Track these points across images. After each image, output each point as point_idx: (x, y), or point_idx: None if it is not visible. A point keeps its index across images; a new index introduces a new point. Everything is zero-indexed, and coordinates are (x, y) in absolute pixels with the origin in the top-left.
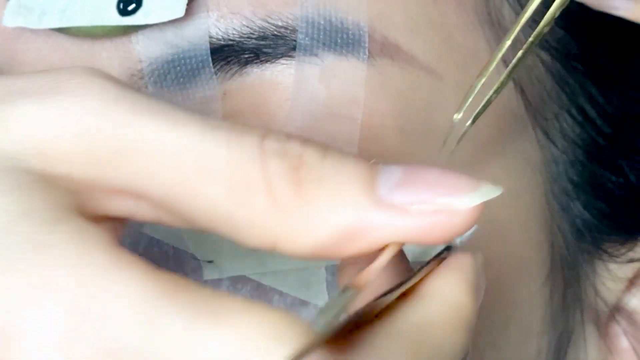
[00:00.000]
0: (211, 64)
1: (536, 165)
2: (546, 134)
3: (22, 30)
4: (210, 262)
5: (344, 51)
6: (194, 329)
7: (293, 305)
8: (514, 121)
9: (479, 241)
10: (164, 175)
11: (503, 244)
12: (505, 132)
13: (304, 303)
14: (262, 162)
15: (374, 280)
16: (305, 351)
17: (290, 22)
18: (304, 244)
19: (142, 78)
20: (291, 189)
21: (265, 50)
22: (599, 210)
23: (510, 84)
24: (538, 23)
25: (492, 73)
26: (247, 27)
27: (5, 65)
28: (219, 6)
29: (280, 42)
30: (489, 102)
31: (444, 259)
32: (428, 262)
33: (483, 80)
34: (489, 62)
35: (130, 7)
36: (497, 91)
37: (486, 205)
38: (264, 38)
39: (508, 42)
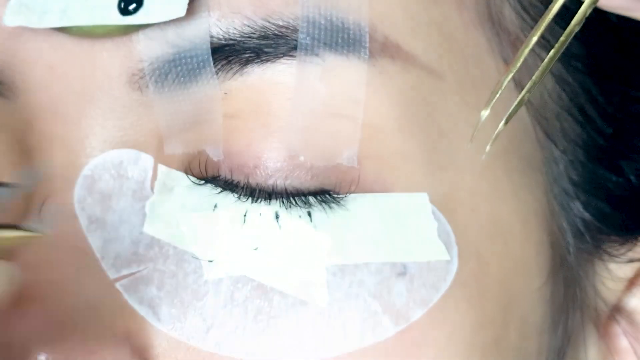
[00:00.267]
0: (212, 64)
1: (536, 165)
2: (547, 133)
3: (23, 29)
4: (211, 261)
5: (344, 51)
6: None
7: (294, 305)
8: (514, 121)
9: (480, 241)
10: None
11: (503, 243)
12: (505, 131)
13: (304, 303)
14: None
15: None
16: None
17: (291, 21)
18: None
19: (143, 77)
20: None
21: (266, 49)
22: (599, 210)
23: (511, 84)
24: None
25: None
26: (248, 26)
27: (6, 64)
28: (220, 5)
29: (281, 41)
30: (522, 102)
31: None
32: None
33: (510, 76)
34: (516, 59)
35: (131, 7)
36: (530, 90)
37: (487, 205)
38: (265, 37)
39: (535, 38)
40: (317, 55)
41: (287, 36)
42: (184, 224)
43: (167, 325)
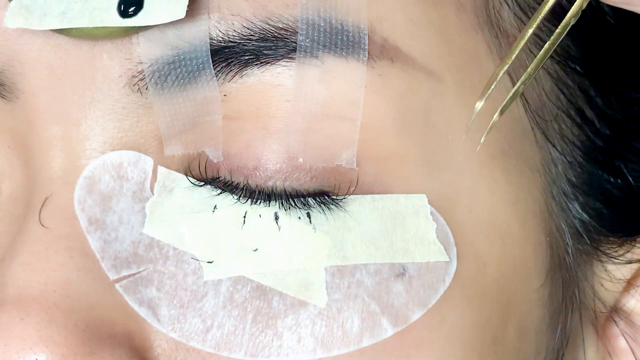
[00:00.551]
0: (212, 66)
1: (535, 166)
2: (545, 135)
3: (23, 31)
4: (210, 262)
5: (344, 53)
6: None
7: (293, 306)
8: (512, 122)
9: (478, 242)
10: None
11: (502, 244)
12: (503, 132)
13: (303, 303)
14: None
15: None
16: None
17: (290, 23)
18: None
19: (142, 79)
20: None
21: (265, 51)
22: (597, 211)
23: (509, 82)
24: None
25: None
26: (248, 28)
27: (6, 66)
28: (220, 8)
29: (281, 43)
30: (517, 94)
31: None
32: None
33: (505, 67)
34: (511, 52)
35: (131, 9)
36: (525, 82)
37: (485, 206)
38: (264, 40)
39: (530, 30)
40: (316, 57)
41: (286, 38)
42: (183, 225)
43: (166, 326)
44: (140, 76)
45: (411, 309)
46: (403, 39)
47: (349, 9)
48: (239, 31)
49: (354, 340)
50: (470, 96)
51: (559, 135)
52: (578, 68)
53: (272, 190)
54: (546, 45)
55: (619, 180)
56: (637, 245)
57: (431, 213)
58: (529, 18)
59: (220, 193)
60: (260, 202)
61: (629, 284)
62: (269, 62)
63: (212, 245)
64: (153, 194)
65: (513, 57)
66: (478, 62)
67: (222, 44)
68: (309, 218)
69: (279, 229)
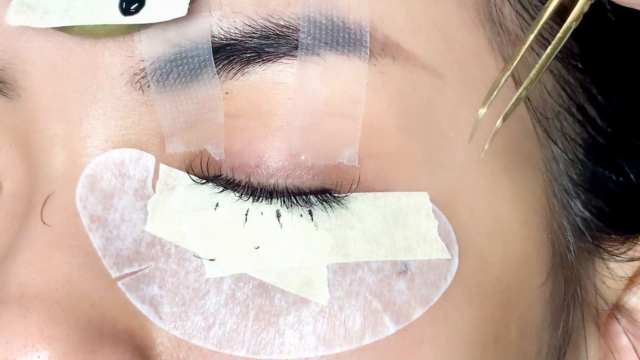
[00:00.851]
0: (213, 63)
1: (536, 164)
2: (547, 132)
3: (25, 29)
4: (212, 260)
5: (345, 50)
6: None
7: (295, 304)
8: (514, 120)
9: (480, 239)
10: None
11: (504, 242)
12: (505, 130)
13: (305, 301)
14: None
15: None
16: None
17: (292, 21)
18: None
19: (144, 77)
20: None
21: (267, 49)
22: (599, 209)
23: (511, 83)
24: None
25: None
26: (249, 26)
27: (8, 64)
28: (221, 5)
29: (282, 41)
30: (519, 100)
31: None
32: None
33: (508, 74)
34: (513, 57)
35: (133, 7)
36: (528, 87)
37: (487, 204)
38: (266, 37)
39: (531, 36)
40: (318, 55)
41: (288, 36)
42: (185, 223)
43: (168, 324)
44: (142, 74)
45: (413, 307)
46: (404, 37)
47: (351, 6)
48: (241, 29)
49: (355, 337)
50: (472, 94)
51: (560, 133)
52: (580, 65)
53: (274, 188)
54: (548, 50)
55: (621, 178)
56: (639, 242)
57: (433, 211)
58: (531, 15)
59: (222, 191)
60: (262, 200)
61: (631, 281)
62: (270, 60)
63: (214, 243)
64: (155, 192)
65: (515, 63)
66: (479, 60)
67: (224, 42)
68: (311, 216)
69: (281, 226)
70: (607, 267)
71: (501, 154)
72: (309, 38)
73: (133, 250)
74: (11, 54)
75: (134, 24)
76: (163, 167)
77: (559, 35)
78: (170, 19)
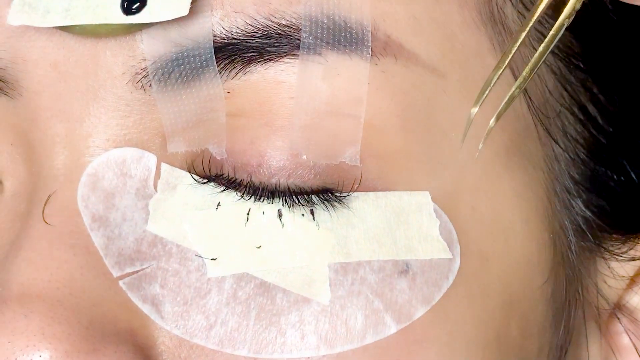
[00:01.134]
0: (215, 63)
1: (538, 163)
2: (548, 132)
3: (26, 28)
4: (214, 259)
5: (347, 50)
6: None
7: (296, 303)
8: (515, 119)
9: (481, 239)
10: None
11: (505, 241)
12: (507, 129)
13: (307, 300)
14: None
15: None
16: None
17: (293, 20)
18: None
19: (146, 76)
20: None
21: (268, 48)
22: (600, 208)
23: (511, 81)
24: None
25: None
26: (251, 25)
27: (9, 63)
28: (223, 5)
29: (284, 40)
30: (512, 99)
31: None
32: None
33: (500, 72)
34: (504, 55)
35: (135, 6)
36: (520, 87)
37: (488, 203)
38: (267, 37)
39: (523, 35)
40: (319, 54)
41: (289, 35)
42: (187, 222)
43: (170, 323)
44: (144, 73)
45: (414, 306)
46: (406, 36)
47: (352, 5)
48: (242, 28)
49: (357, 337)
50: (474, 93)
51: (561, 132)
52: (581, 65)
53: (275, 187)
54: (540, 48)
55: (622, 177)
56: None
57: (434, 210)
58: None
59: (224, 190)
60: (263, 199)
61: (632, 281)
62: (272, 59)
63: (216, 242)
64: (156, 191)
65: (507, 62)
66: (481, 59)
67: (226, 41)
68: (313, 215)
69: (283, 226)
70: (609, 267)
71: (502, 153)
72: (310, 37)
73: (134, 250)
74: (13, 53)
75: (135, 24)
76: (165, 167)
77: (551, 33)
78: (171, 18)
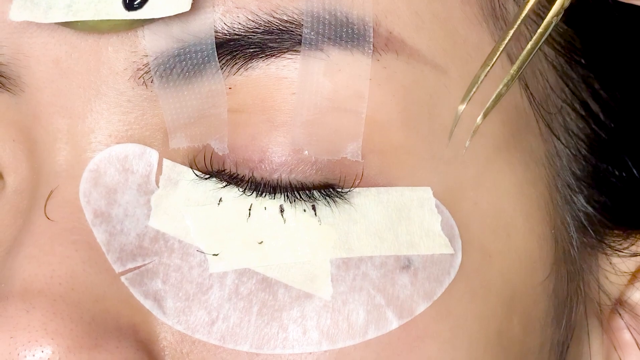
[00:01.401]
0: (217, 58)
1: (539, 159)
2: (549, 128)
3: (28, 24)
4: (215, 255)
5: (349, 46)
6: None
7: (298, 298)
8: (517, 115)
9: (483, 234)
10: None
11: (506, 237)
12: (508, 125)
13: (308, 296)
14: None
15: None
16: None
17: (295, 16)
18: None
19: (148, 72)
20: None
21: (270, 44)
22: (602, 204)
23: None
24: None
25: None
26: (253, 21)
27: (12, 59)
28: (225, 0)
29: (286, 36)
30: (499, 97)
31: None
32: None
33: (487, 70)
34: (492, 53)
35: (136, 2)
36: (508, 85)
37: (490, 199)
38: (269, 32)
39: (511, 32)
40: (321, 50)
41: (291, 31)
42: (189, 218)
43: (172, 319)
44: (146, 69)
45: (416, 302)
46: (408, 32)
47: (354, 1)
48: (244, 24)
49: (359, 332)
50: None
51: (563, 128)
52: (582, 61)
53: (277, 183)
54: (528, 46)
55: (624, 173)
56: None
57: (436, 206)
58: (534, 10)
59: (226, 186)
60: (265, 195)
61: (634, 277)
62: (274, 55)
63: (218, 238)
64: (158, 187)
65: (495, 60)
66: (483, 55)
67: (227, 37)
68: (314, 211)
69: (284, 221)
70: (610, 263)
71: (504, 149)
72: (312, 33)
73: (136, 245)
74: (14, 49)
75: (137, 19)
76: (166, 162)
77: (539, 30)
78: (173, 14)
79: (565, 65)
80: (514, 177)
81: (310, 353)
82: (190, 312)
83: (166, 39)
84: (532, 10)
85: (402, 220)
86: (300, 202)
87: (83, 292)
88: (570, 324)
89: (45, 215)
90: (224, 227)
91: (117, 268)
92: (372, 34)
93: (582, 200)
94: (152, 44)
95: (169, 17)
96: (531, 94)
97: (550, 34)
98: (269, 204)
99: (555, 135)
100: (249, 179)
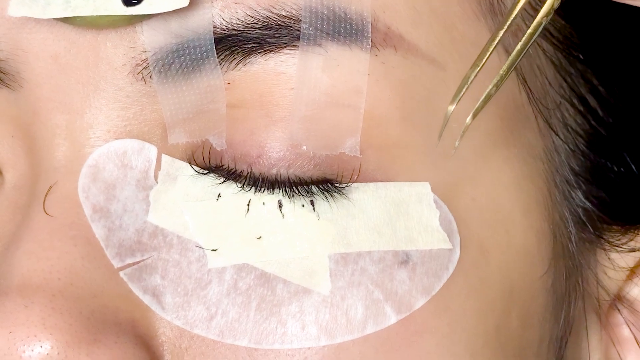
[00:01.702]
0: (215, 54)
1: (538, 155)
2: (548, 123)
3: (27, 20)
4: (214, 250)
5: (347, 41)
6: None
7: (297, 293)
8: (515, 110)
9: (481, 229)
10: None
11: (505, 232)
12: (507, 121)
13: (307, 291)
14: None
15: None
16: None
17: (294, 11)
18: None
19: (146, 68)
20: None
21: (269, 40)
22: (600, 199)
23: (512, 74)
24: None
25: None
26: (251, 16)
27: (10, 55)
28: None
29: (284, 31)
30: (489, 97)
31: None
32: None
33: (478, 70)
34: (482, 53)
35: None
36: (498, 85)
37: (488, 194)
38: (267, 28)
39: (501, 32)
40: (319, 45)
41: (289, 26)
42: (187, 213)
43: (171, 314)
44: (144, 65)
45: (415, 297)
46: (406, 27)
47: None
48: (243, 19)
49: (357, 327)
50: (473, 84)
51: (561, 124)
52: (580, 56)
53: (275, 178)
54: (518, 46)
55: (622, 169)
56: None
57: (434, 201)
58: (532, 6)
59: (224, 181)
60: (264, 190)
61: (632, 272)
62: (272, 50)
63: (216, 233)
64: (157, 182)
65: (485, 60)
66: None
67: (226, 32)
68: (313, 206)
69: (283, 216)
70: (609, 258)
71: (502, 144)
72: (310, 28)
73: (135, 241)
74: (13, 45)
75: (136, 15)
76: (165, 158)
77: (529, 31)
78: (172, 9)
79: (564, 60)
80: (512, 173)
81: (309, 348)
82: (189, 307)
83: (165, 35)
84: (529, 5)
85: (400, 216)
86: (298, 197)
87: (82, 287)
88: (568, 320)
89: (44, 210)
90: (223, 223)
91: (116, 263)
92: (370, 29)
93: (581, 196)
94: (151, 39)
95: (168, 13)
96: (529, 89)
97: (548, 30)
98: (268, 199)
99: (554, 131)
100: (247, 174)
